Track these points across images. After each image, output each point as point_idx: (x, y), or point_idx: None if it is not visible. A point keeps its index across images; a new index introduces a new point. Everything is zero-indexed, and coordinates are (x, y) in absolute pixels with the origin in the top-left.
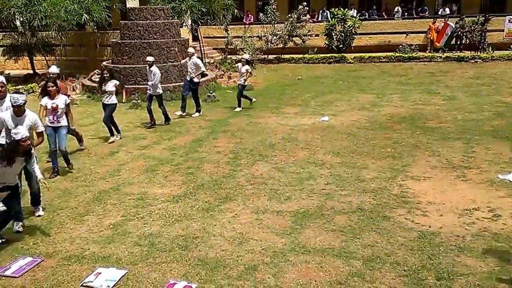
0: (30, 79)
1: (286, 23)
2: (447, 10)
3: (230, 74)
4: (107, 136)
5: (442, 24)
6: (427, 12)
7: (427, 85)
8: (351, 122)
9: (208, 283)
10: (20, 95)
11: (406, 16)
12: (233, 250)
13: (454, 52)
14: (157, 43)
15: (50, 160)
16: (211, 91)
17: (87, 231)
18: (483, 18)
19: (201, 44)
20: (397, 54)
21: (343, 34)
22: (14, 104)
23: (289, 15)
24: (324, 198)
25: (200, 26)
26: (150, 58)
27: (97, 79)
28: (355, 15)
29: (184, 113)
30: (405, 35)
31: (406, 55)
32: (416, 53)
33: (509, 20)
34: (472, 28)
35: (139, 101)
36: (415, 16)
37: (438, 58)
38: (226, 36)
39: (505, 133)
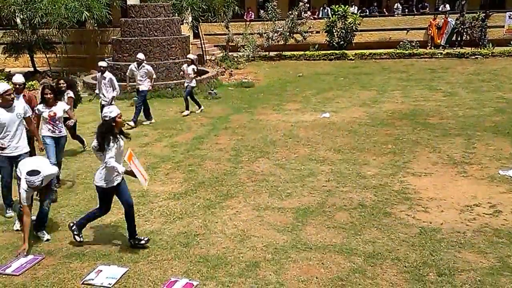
0: (31, 77)
1: (287, 20)
2: (448, 7)
3: (231, 71)
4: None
5: (443, 20)
6: (427, 9)
7: (428, 81)
8: (352, 119)
9: (209, 280)
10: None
11: (406, 13)
12: (235, 247)
13: (455, 48)
14: (157, 40)
15: None
16: (212, 88)
17: (87, 229)
18: (484, 14)
19: (202, 41)
20: (398, 51)
21: (344, 31)
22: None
23: (290, 12)
24: (325, 194)
25: (200, 23)
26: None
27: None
28: (355, 11)
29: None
30: (405, 31)
31: (407, 52)
32: (417, 50)
33: (509, 16)
34: (473, 24)
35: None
36: (415, 12)
37: (439, 54)
38: (227, 33)
39: (505, 129)
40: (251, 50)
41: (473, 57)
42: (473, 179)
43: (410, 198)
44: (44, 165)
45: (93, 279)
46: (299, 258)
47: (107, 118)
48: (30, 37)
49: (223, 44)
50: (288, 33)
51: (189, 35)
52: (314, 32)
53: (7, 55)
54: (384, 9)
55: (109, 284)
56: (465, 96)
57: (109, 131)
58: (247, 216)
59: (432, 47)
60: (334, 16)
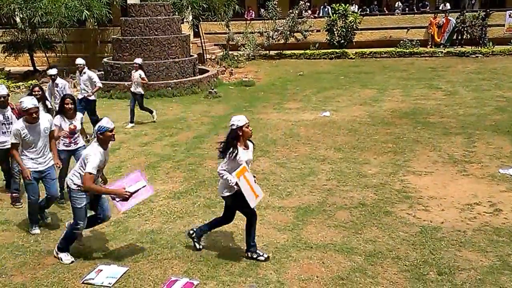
0: (31, 76)
1: (287, 18)
2: (448, 5)
3: (232, 70)
4: None
5: (443, 19)
6: (428, 8)
7: (428, 80)
8: (352, 118)
9: (210, 279)
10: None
11: (407, 12)
12: (236, 246)
13: (455, 47)
14: (158, 40)
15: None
16: (212, 87)
17: (86, 229)
18: (484, 13)
19: (202, 40)
20: (398, 49)
21: (344, 30)
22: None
23: (290, 10)
24: (326, 193)
25: (201, 22)
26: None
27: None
28: (356, 10)
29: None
30: (406, 30)
31: (407, 50)
32: (417, 48)
33: (509, 15)
34: (473, 23)
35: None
36: (416, 11)
37: (439, 53)
38: (227, 32)
39: (506, 128)
40: (252, 49)
41: (473, 55)
42: (473, 178)
43: (410, 197)
44: None
45: (93, 279)
46: (300, 257)
47: (234, 127)
48: (30, 36)
49: (224, 43)
50: (288, 32)
51: (189, 34)
52: (315, 31)
53: (6, 54)
54: (385, 8)
55: (109, 283)
56: (466, 95)
57: (233, 139)
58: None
59: (433, 46)
60: (334, 15)
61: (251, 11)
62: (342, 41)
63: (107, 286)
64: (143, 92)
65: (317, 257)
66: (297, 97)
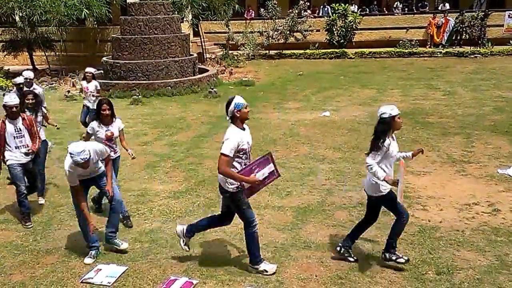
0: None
1: (287, 18)
2: (447, 6)
3: (232, 69)
4: None
5: (443, 19)
6: (427, 8)
7: (427, 80)
8: (352, 117)
9: (209, 278)
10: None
11: (406, 12)
12: (235, 245)
13: (454, 47)
14: (157, 39)
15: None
16: (212, 87)
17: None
18: (483, 13)
19: (202, 39)
20: (397, 49)
21: (344, 30)
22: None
23: (290, 10)
24: (325, 193)
25: (201, 21)
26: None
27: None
28: (356, 10)
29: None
30: (405, 30)
31: (407, 50)
32: (417, 49)
33: (508, 15)
34: (472, 23)
35: (140, 96)
36: (415, 11)
37: (438, 53)
38: (227, 32)
39: (504, 128)
40: (251, 48)
41: (472, 56)
42: (472, 178)
43: (409, 197)
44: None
45: (92, 278)
46: (299, 256)
47: (385, 116)
48: (29, 35)
49: (223, 42)
50: (288, 32)
51: (189, 33)
52: (314, 30)
53: (6, 53)
54: (384, 8)
55: (109, 283)
56: (464, 95)
57: (385, 130)
58: None
59: (432, 46)
60: (334, 14)
61: (251, 10)
62: (342, 41)
63: (106, 286)
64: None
65: (316, 257)
66: (297, 96)
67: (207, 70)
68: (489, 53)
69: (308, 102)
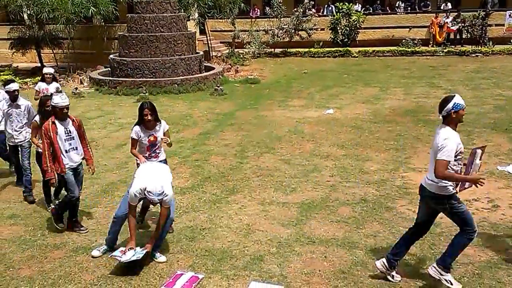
0: (38, 72)
1: (292, 17)
2: (449, 5)
3: (237, 67)
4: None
5: (445, 19)
6: (429, 7)
7: (429, 78)
8: (355, 115)
9: (214, 273)
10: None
11: (409, 11)
12: (240, 241)
13: (454, 46)
14: (164, 36)
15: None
16: (218, 85)
17: (95, 223)
18: (484, 12)
19: (208, 37)
20: (400, 48)
21: (347, 28)
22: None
23: (295, 9)
24: (329, 189)
25: (207, 20)
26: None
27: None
28: (359, 9)
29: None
30: (408, 29)
31: (409, 49)
32: (419, 47)
33: (509, 15)
34: (473, 22)
35: (146, 94)
36: (418, 10)
37: (440, 52)
38: (233, 30)
39: (504, 126)
40: (257, 46)
41: (473, 55)
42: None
43: (410, 193)
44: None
45: (120, 257)
46: (303, 251)
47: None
48: (37, 33)
49: (229, 40)
50: (293, 30)
51: (195, 31)
52: (319, 29)
53: (14, 50)
54: (387, 7)
55: (137, 257)
56: (465, 93)
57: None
58: (252, 211)
59: (434, 45)
60: (338, 13)
61: (256, 9)
62: (346, 39)
63: (136, 259)
64: None
65: (320, 252)
66: (302, 94)
67: (213, 68)
68: (490, 52)
69: (312, 100)
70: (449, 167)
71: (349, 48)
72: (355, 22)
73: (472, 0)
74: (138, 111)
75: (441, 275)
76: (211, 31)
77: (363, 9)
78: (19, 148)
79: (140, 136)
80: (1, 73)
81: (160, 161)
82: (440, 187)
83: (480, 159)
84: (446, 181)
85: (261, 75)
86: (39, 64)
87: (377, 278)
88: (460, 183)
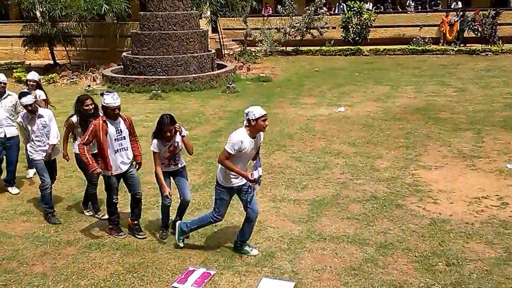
0: (51, 69)
1: (303, 15)
2: (460, 4)
3: (249, 65)
4: None
5: (455, 17)
6: (440, 6)
7: (440, 77)
8: (366, 113)
9: (226, 269)
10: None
11: (420, 10)
12: (251, 237)
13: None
14: (176, 34)
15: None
16: (230, 82)
17: (106, 220)
18: (494, 11)
19: (220, 35)
20: (411, 47)
21: (359, 27)
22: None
23: (307, 7)
24: (340, 187)
25: (219, 18)
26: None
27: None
28: (370, 8)
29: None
30: (419, 28)
31: (420, 48)
32: (430, 46)
33: None
34: (484, 21)
35: (159, 91)
36: (428, 9)
37: (451, 51)
38: (245, 28)
39: None
40: (269, 45)
41: (483, 54)
42: (481, 172)
43: (420, 190)
44: None
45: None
46: (314, 248)
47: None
48: (50, 30)
49: (241, 38)
50: (304, 29)
51: (207, 29)
52: (330, 27)
53: (27, 47)
54: (398, 6)
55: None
56: (475, 91)
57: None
58: (263, 207)
59: (444, 44)
60: (349, 12)
61: (268, 7)
62: (357, 38)
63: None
64: None
65: (331, 248)
66: (313, 92)
67: (225, 66)
68: (499, 51)
69: (323, 98)
70: None
71: (360, 47)
72: (366, 21)
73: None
74: (157, 124)
75: None
76: (223, 29)
77: (374, 7)
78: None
79: (161, 149)
80: (14, 70)
81: (180, 168)
82: None
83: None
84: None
85: (272, 73)
86: (52, 62)
87: (387, 274)
88: None
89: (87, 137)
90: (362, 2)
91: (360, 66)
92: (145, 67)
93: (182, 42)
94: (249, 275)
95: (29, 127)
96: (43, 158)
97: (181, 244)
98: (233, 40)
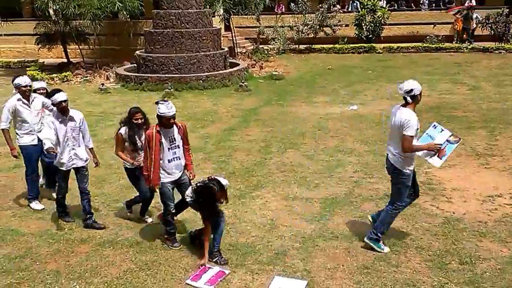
0: (65, 68)
1: (317, 13)
2: (473, 2)
3: (262, 64)
4: None
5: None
6: (453, 3)
7: (453, 75)
8: (379, 111)
9: (239, 267)
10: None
11: (433, 7)
12: (264, 236)
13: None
14: (189, 33)
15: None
16: (243, 81)
17: (120, 217)
18: (508, 9)
19: (233, 33)
20: (424, 45)
21: (372, 25)
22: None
23: (320, 5)
24: (352, 185)
25: (232, 16)
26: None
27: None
28: (384, 5)
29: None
30: (432, 25)
31: (433, 46)
32: (443, 44)
33: None
34: (497, 19)
35: (172, 89)
36: (442, 7)
37: (464, 49)
38: (258, 26)
39: None
40: (282, 43)
41: (497, 51)
42: (495, 171)
43: (434, 189)
44: None
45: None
46: (326, 246)
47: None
48: (63, 28)
49: (254, 36)
50: (318, 26)
51: (220, 28)
52: (343, 25)
53: (40, 46)
54: (412, 4)
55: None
56: (489, 89)
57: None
58: (276, 206)
59: (458, 42)
60: (363, 9)
61: (281, 5)
62: (371, 35)
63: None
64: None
65: (343, 247)
66: (326, 90)
67: (238, 64)
68: None
69: (336, 96)
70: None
71: (374, 44)
72: (380, 18)
73: None
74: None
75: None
76: (236, 27)
77: (387, 5)
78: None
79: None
80: (28, 69)
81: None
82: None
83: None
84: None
85: (285, 71)
86: (65, 60)
87: (400, 273)
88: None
89: (146, 149)
90: (376, 0)
91: (373, 64)
92: (158, 65)
93: (195, 40)
94: (261, 274)
95: (59, 129)
96: (71, 166)
97: (386, 250)
98: (246, 38)
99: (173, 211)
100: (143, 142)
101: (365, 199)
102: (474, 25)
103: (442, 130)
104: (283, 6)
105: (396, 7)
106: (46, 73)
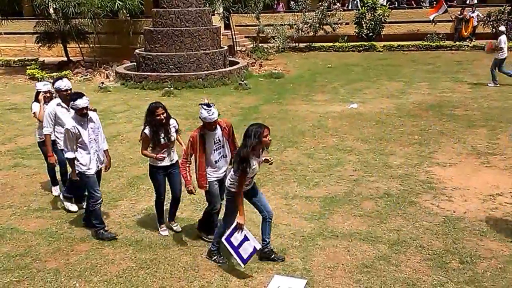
0: (65, 66)
1: (316, 11)
2: (475, 0)
3: (262, 62)
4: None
5: (470, 13)
6: (455, 1)
7: (454, 73)
8: (379, 110)
9: (238, 266)
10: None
11: (434, 5)
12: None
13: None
14: (189, 31)
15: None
16: (242, 79)
17: (120, 216)
18: (509, 7)
19: (233, 32)
20: (425, 43)
21: (372, 23)
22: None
23: (320, 3)
24: (352, 184)
25: (231, 14)
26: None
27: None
28: (384, 3)
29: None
30: (433, 24)
31: (434, 44)
32: (444, 42)
33: None
34: (498, 17)
35: (171, 88)
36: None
37: (465, 47)
38: (257, 24)
39: None
40: (281, 41)
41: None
42: (496, 170)
43: (434, 188)
44: None
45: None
46: (326, 245)
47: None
48: (63, 27)
49: (254, 35)
50: (317, 25)
51: (220, 26)
52: (344, 23)
53: (40, 44)
54: (413, 1)
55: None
56: (490, 88)
57: None
58: (275, 205)
59: (457, 40)
60: (363, 7)
61: (281, 3)
62: (371, 34)
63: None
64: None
65: (343, 246)
66: (326, 89)
67: (238, 63)
68: None
69: (336, 94)
70: None
71: (374, 43)
72: (380, 16)
73: None
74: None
75: None
76: (235, 25)
77: (388, 3)
78: None
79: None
80: (28, 67)
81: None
82: None
83: None
84: None
85: (285, 69)
86: (65, 58)
87: (400, 272)
88: None
89: (188, 152)
90: None
91: (374, 62)
92: (158, 64)
93: (195, 39)
94: (261, 272)
95: (83, 134)
96: (97, 169)
97: None
98: (245, 37)
99: (218, 208)
100: (171, 136)
101: (364, 197)
102: (475, 23)
103: None
104: (283, 5)
105: (396, 5)
106: (46, 72)
